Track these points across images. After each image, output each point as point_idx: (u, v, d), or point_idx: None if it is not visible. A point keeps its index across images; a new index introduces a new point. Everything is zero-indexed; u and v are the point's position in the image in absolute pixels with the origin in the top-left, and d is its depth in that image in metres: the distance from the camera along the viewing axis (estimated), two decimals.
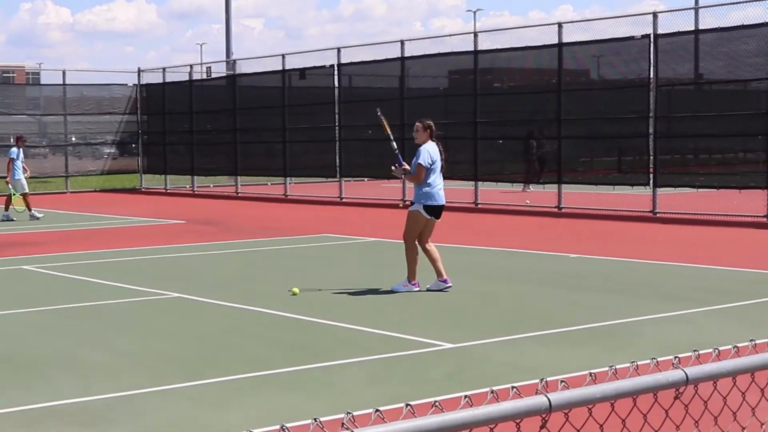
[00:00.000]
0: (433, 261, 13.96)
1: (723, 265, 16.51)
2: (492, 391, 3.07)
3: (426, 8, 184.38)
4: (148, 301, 13.91)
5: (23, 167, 28.24)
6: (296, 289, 14.03)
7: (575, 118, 27.93)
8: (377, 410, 2.84)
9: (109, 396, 8.63)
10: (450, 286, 13.89)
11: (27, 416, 8.12)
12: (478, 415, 2.93)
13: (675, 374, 3.37)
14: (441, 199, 14.13)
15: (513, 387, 3.16)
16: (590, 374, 3.33)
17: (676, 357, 3.52)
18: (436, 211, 14.09)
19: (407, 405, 2.88)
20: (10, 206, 27.78)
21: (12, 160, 28.13)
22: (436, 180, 14.05)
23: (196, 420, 8.03)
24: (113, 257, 18.89)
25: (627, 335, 11.07)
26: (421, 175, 13.90)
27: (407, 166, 14.20)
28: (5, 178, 28.71)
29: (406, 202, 29.20)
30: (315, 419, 2.81)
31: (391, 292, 13.90)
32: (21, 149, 28.64)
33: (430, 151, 13.96)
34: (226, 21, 49.49)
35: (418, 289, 13.88)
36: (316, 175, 36.36)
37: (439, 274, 13.95)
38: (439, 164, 14.04)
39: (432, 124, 14.14)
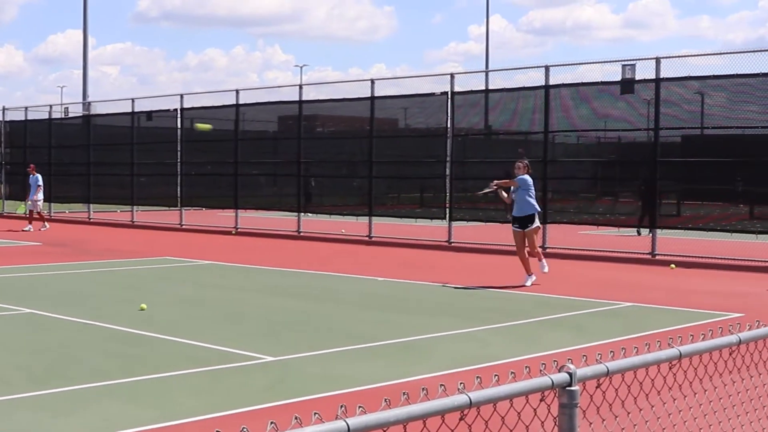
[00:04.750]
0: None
1: (511, 290, 16.71)
2: (296, 418, 2.89)
3: (261, 62, 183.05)
4: (1, 316, 13.23)
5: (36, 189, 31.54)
6: (144, 305, 13.63)
7: (385, 161, 28.11)
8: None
9: None
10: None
11: None
12: None
13: (460, 399, 3.26)
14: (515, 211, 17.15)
15: (315, 413, 2.98)
16: (385, 400, 3.19)
17: (461, 383, 3.41)
18: (516, 220, 17.10)
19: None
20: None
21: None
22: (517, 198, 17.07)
23: (39, 426, 7.60)
24: None
25: (424, 349, 11.00)
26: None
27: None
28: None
29: (238, 230, 28.88)
30: None
31: (225, 310, 13.61)
32: (32, 176, 31.85)
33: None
34: (84, 67, 48.53)
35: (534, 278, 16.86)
36: (160, 204, 35.68)
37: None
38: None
39: (528, 164, 17.41)
